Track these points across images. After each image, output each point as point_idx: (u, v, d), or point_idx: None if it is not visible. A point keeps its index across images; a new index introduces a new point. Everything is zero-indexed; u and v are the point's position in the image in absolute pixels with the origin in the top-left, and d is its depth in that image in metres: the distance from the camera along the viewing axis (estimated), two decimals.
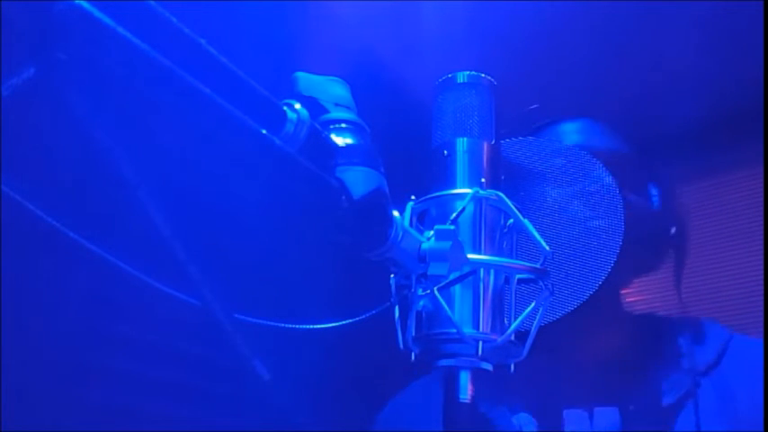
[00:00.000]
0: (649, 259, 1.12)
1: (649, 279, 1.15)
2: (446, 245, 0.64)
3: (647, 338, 1.11)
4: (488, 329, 0.67)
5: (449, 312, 0.65)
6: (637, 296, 1.24)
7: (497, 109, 0.73)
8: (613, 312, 1.11)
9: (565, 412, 1.06)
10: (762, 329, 1.60)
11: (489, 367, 0.68)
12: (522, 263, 0.70)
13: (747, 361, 1.03)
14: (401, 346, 0.70)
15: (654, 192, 1.13)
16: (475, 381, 0.67)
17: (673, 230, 1.11)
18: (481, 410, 1.07)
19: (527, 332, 0.70)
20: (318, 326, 0.67)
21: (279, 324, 0.65)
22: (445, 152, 0.71)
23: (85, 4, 0.43)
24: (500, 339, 0.67)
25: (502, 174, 0.72)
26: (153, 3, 0.48)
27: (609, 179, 0.93)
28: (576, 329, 1.07)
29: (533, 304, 0.70)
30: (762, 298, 1.94)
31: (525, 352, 0.70)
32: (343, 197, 0.61)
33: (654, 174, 1.13)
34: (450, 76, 0.73)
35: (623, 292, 1.12)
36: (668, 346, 1.08)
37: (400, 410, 1.18)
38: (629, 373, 1.07)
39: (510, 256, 0.71)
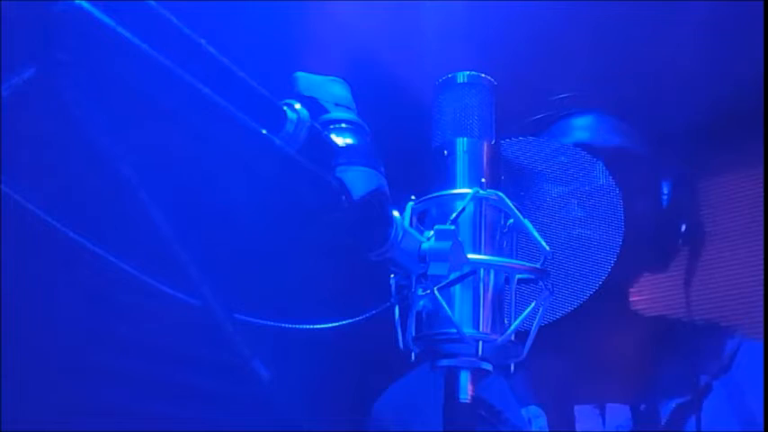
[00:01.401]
0: (659, 257, 1.11)
1: (661, 278, 1.15)
2: (446, 245, 0.64)
3: (658, 338, 1.11)
4: (488, 329, 0.67)
5: (449, 312, 0.65)
6: (648, 295, 1.24)
7: (497, 109, 0.73)
8: (625, 311, 1.11)
9: (576, 408, 1.06)
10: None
11: (489, 367, 0.68)
12: (522, 263, 0.70)
13: (757, 363, 1.03)
14: (401, 346, 0.70)
15: (665, 188, 1.12)
16: (477, 378, 0.67)
17: (683, 228, 1.11)
18: (490, 401, 1.07)
19: (527, 332, 0.70)
20: (318, 326, 0.67)
21: (279, 324, 0.65)
22: (445, 152, 0.71)
23: (85, 4, 0.43)
24: (500, 339, 0.67)
25: (502, 174, 0.72)
26: (153, 3, 0.48)
27: (609, 179, 0.92)
28: (588, 327, 1.07)
29: (533, 304, 0.70)
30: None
31: (525, 352, 0.70)
32: (343, 197, 0.61)
33: (667, 170, 1.13)
34: (450, 76, 0.73)
35: (633, 290, 1.12)
36: (679, 347, 1.08)
37: (397, 399, 1.18)
38: (641, 373, 1.07)
39: (510, 256, 0.71)
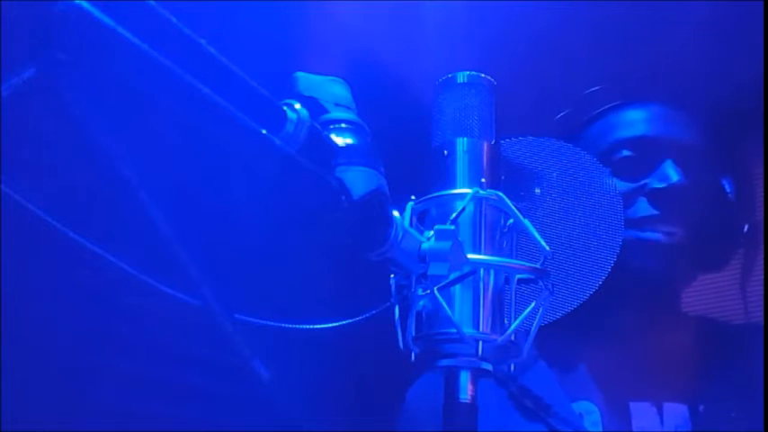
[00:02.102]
0: (720, 257, 1.10)
1: (717, 277, 1.14)
2: (446, 245, 0.64)
3: (714, 338, 1.10)
4: (488, 329, 0.67)
5: (449, 312, 0.65)
6: (703, 295, 1.23)
7: (497, 109, 0.73)
8: (681, 310, 1.10)
9: (632, 405, 1.05)
10: None
11: (489, 367, 0.68)
12: (522, 263, 0.70)
13: None
14: (401, 346, 0.70)
15: (728, 185, 1.11)
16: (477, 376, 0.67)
17: (746, 228, 1.09)
18: (537, 393, 1.06)
19: (527, 332, 0.71)
20: (318, 326, 0.67)
21: (279, 324, 0.65)
22: (445, 152, 0.71)
23: (85, 4, 0.43)
24: (500, 339, 0.67)
25: (502, 174, 0.72)
26: (153, 3, 0.48)
27: (609, 179, 0.92)
28: (644, 324, 1.06)
29: (533, 304, 0.70)
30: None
31: (525, 352, 0.70)
32: (343, 197, 0.61)
33: (730, 165, 1.11)
34: (450, 76, 0.73)
35: (694, 292, 1.11)
36: (736, 348, 1.07)
37: (429, 387, 1.17)
38: (698, 373, 1.06)
39: (510, 256, 0.71)
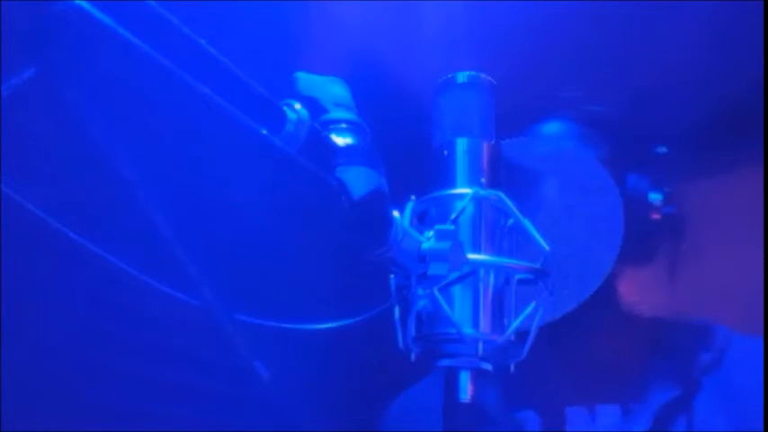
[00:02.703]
0: (642, 250, 1.11)
1: (647, 276, 1.14)
2: (446, 245, 0.64)
3: (647, 337, 1.11)
4: (488, 329, 0.67)
5: (449, 312, 0.65)
6: (636, 294, 1.23)
7: (497, 109, 0.73)
8: (613, 309, 1.11)
9: (568, 410, 1.06)
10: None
11: (489, 367, 0.68)
12: (522, 263, 0.70)
13: (748, 360, 1.03)
14: (401, 346, 0.70)
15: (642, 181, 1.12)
16: (477, 380, 0.67)
17: (661, 216, 1.10)
18: (484, 408, 1.07)
19: (527, 332, 0.71)
20: (319, 326, 0.67)
21: (279, 324, 0.65)
22: (445, 152, 0.71)
23: (85, 4, 0.43)
24: (500, 339, 0.67)
25: (502, 174, 0.72)
26: (153, 3, 0.48)
27: (609, 179, 0.93)
28: (576, 327, 1.06)
29: (533, 304, 0.70)
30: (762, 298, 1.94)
31: (525, 352, 0.70)
32: (343, 197, 0.61)
33: (646, 158, 1.12)
34: (450, 76, 0.73)
35: (623, 289, 1.12)
36: (669, 345, 1.08)
37: (405, 409, 1.18)
38: (631, 372, 1.07)
39: (510, 256, 0.71)
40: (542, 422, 1.06)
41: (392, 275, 0.70)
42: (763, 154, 1.13)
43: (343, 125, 0.63)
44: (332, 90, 0.65)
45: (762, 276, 1.23)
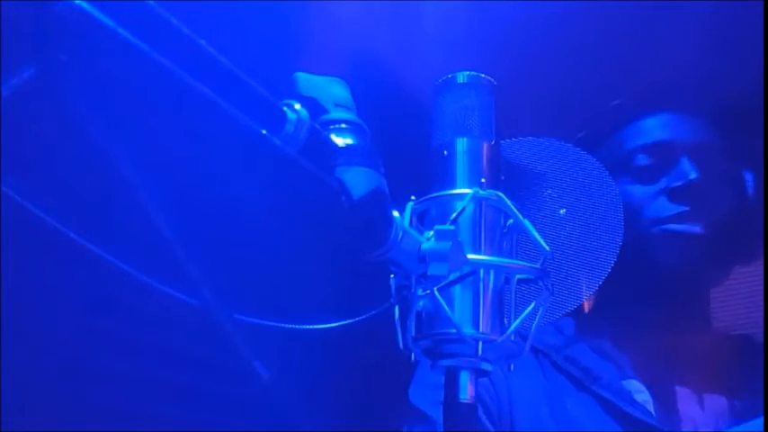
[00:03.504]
0: (747, 247, 1.12)
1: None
2: (446, 245, 0.63)
3: (752, 339, 1.12)
4: (488, 329, 0.67)
5: (449, 312, 0.65)
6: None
7: (497, 109, 0.73)
8: (724, 304, 1.13)
9: (678, 389, 1.06)
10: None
11: (489, 367, 0.68)
12: (522, 263, 0.70)
13: None
14: (401, 346, 0.70)
15: (748, 177, 1.13)
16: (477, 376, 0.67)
17: None
18: (585, 364, 1.07)
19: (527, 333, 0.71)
20: (319, 326, 0.67)
21: (279, 324, 0.65)
22: (445, 152, 0.71)
23: (85, 5, 0.43)
24: (500, 339, 0.67)
25: (502, 174, 0.72)
26: (153, 3, 0.48)
27: (609, 179, 0.92)
28: (691, 313, 1.08)
29: (533, 304, 0.70)
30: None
31: (525, 352, 0.70)
32: (343, 197, 0.61)
33: (746, 158, 1.14)
34: (450, 76, 0.73)
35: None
36: None
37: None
38: (743, 368, 1.08)
39: (510, 256, 0.71)
40: (652, 394, 1.06)
41: (392, 275, 0.70)
42: (763, 154, 1.13)
43: (343, 125, 0.63)
44: (332, 90, 0.65)
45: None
